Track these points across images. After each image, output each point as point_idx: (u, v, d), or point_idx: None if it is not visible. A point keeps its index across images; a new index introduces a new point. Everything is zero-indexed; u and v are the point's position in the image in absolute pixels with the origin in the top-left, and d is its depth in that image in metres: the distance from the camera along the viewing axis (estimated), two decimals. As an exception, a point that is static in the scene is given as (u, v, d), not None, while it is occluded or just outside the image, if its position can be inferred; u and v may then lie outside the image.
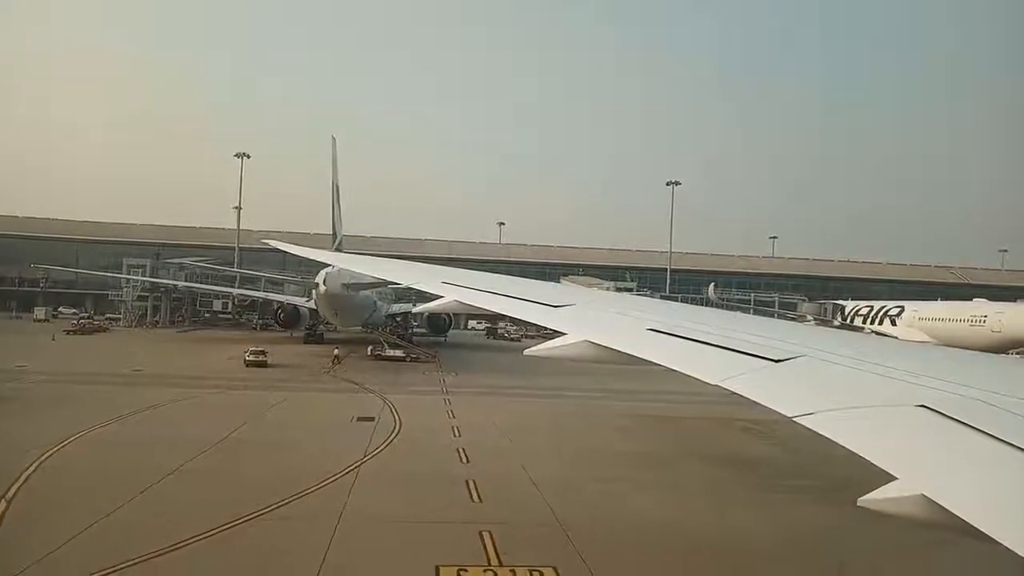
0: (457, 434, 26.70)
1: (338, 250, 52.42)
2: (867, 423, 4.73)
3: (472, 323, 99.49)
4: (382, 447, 23.72)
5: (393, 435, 25.82)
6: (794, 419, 4.84)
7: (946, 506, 3.41)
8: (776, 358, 6.15)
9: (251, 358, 45.53)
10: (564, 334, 7.94)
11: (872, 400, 5.07)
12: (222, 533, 14.41)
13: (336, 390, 37.86)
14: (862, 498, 3.84)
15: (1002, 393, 4.97)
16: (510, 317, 10.52)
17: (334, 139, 58.62)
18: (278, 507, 16.38)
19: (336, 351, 50.72)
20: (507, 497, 18.46)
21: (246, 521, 15.23)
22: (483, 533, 15.11)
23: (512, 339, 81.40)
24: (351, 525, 15.42)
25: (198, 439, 23.36)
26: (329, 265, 46.56)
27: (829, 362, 6.13)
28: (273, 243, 35.72)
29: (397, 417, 29.59)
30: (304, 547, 13.97)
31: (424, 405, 33.56)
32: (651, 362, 6.77)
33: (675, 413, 33.98)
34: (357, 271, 20.05)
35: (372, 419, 28.61)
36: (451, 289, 11.36)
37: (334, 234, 56.77)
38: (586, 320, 9.00)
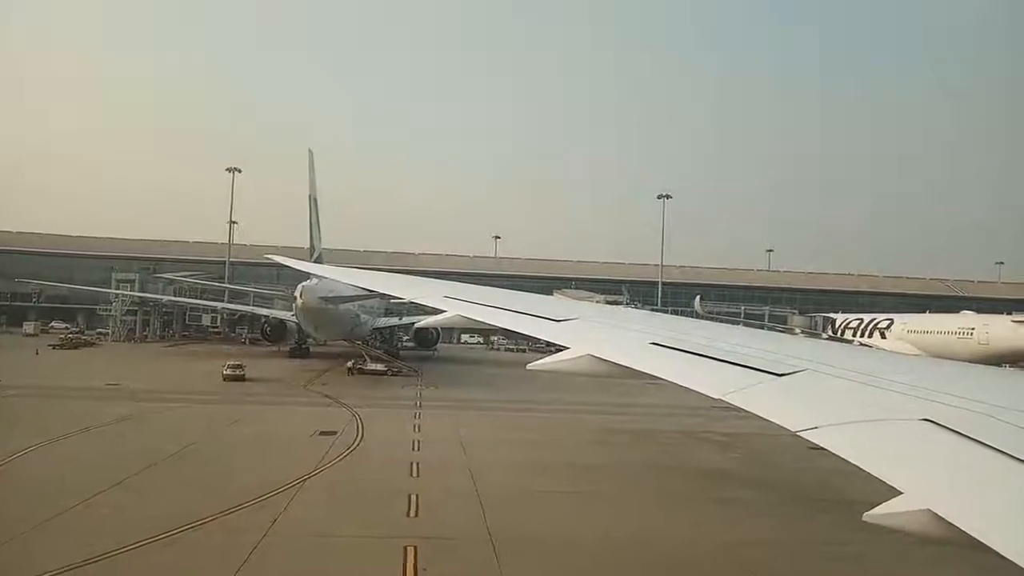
0: (416, 448, 26.43)
1: (317, 263, 52.42)
2: (871, 437, 4.70)
3: (465, 337, 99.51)
4: (335, 461, 23.44)
5: (351, 449, 25.54)
6: (798, 433, 4.80)
7: (952, 521, 3.38)
8: (779, 372, 6.15)
9: (229, 372, 45.41)
10: (566, 348, 7.95)
11: (876, 414, 5.02)
12: (138, 549, 14.14)
13: (307, 404, 37.62)
14: (868, 513, 3.80)
15: (1007, 407, 4.91)
16: (513, 332, 10.84)
17: (311, 152, 58.96)
18: (207, 522, 16.09)
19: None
20: (446, 511, 18.17)
21: (168, 536, 14.94)
22: (408, 548, 14.83)
23: None
24: (275, 540, 15.14)
25: (150, 453, 23.21)
26: (307, 278, 46.56)
27: (832, 376, 6.11)
28: (277, 258, 35.76)
29: (361, 431, 29.33)
30: (219, 563, 13.70)
31: (392, 419, 33.29)
32: (653, 376, 6.77)
33: (654, 427, 33.74)
34: (358, 285, 20.08)
35: (334, 433, 28.35)
36: (454, 304, 11.38)
37: (312, 247, 56.76)
38: (589, 334, 8.98)
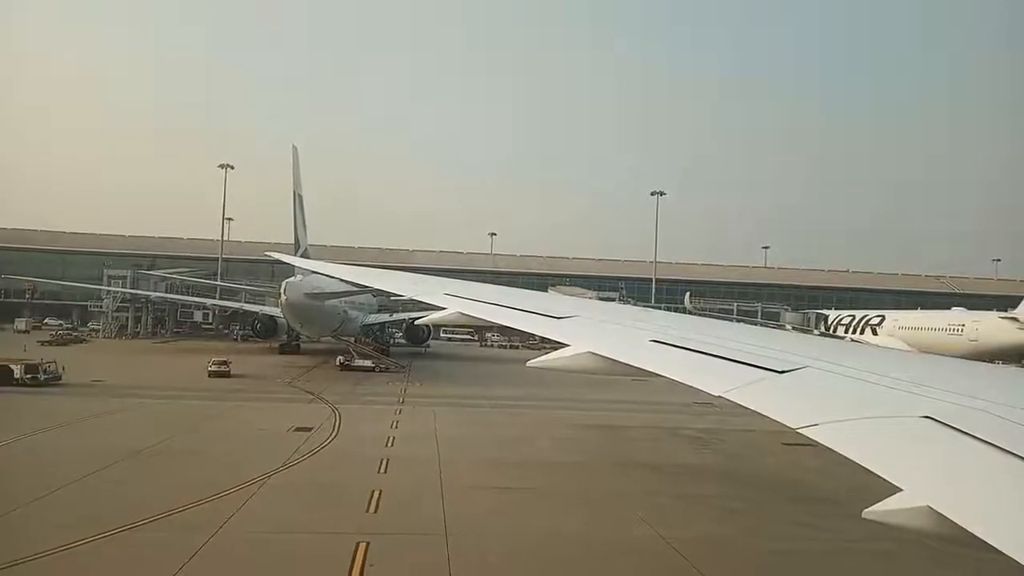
0: (390, 444, 26.27)
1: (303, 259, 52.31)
2: (871, 434, 4.71)
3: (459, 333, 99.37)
4: (305, 457, 23.33)
5: (323, 445, 25.42)
6: (798, 430, 4.81)
7: (952, 518, 3.38)
8: (780, 369, 6.16)
9: (213, 368, 45.38)
10: (566, 345, 7.95)
11: (876, 411, 5.03)
12: (84, 545, 14.02)
13: (289, 400, 37.47)
14: (868, 509, 3.78)
15: (1006, 404, 4.92)
16: (511, 329, 11.06)
17: (295, 148, 58.65)
18: (162, 518, 15.97)
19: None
20: (405, 508, 18.01)
21: (117, 532, 14.83)
22: (359, 544, 14.72)
23: None
24: (225, 537, 14.99)
25: (120, 449, 23.13)
26: (293, 275, 46.52)
27: (832, 373, 6.13)
28: (275, 255, 35.67)
29: (338, 427, 29.23)
30: (162, 560, 13.53)
31: (372, 415, 33.16)
32: (654, 373, 6.74)
33: (636, 423, 33.54)
34: (357, 282, 20.15)
35: (310, 429, 28.25)
36: (455, 301, 11.35)
37: (297, 243, 56.51)
38: (589, 331, 8.99)
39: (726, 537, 16.74)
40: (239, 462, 22.06)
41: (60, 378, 38.10)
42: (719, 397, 5.87)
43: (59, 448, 23.74)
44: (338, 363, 52.75)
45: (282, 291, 49.10)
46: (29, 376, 36.33)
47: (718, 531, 17.14)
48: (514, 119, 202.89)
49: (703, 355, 6.96)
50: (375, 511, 17.54)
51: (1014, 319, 55.26)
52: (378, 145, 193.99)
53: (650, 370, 6.82)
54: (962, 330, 58.09)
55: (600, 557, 15.13)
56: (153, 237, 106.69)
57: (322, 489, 19.54)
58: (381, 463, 22.77)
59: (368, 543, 14.80)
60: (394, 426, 30.38)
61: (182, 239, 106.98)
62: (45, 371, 37.22)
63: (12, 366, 36.76)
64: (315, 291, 47.60)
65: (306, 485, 19.90)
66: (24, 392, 35.60)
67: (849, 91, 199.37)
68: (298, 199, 57.64)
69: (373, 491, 19.06)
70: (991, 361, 50.94)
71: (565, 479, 22.20)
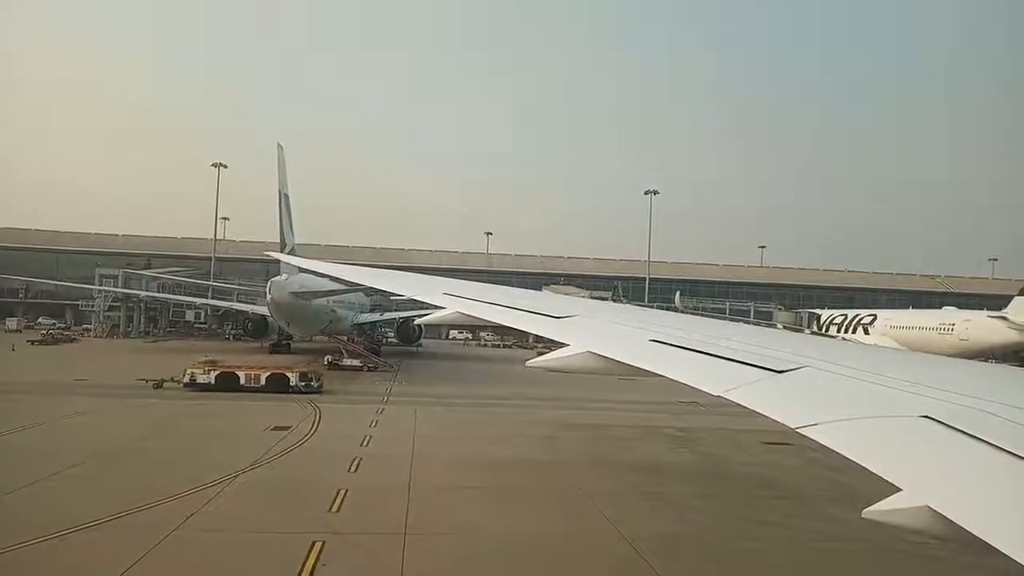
0: (365, 444, 26.13)
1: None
2: (870, 434, 4.74)
3: (453, 333, 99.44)
4: (278, 456, 23.25)
5: (298, 444, 25.34)
6: (797, 430, 4.84)
7: (951, 518, 3.39)
8: (779, 369, 6.16)
9: (200, 368, 45.33)
10: (564, 344, 7.95)
11: (875, 411, 5.06)
12: (35, 545, 13.91)
13: (271, 399, 37.26)
14: (867, 509, 3.80)
15: (1006, 403, 4.95)
16: (507, 328, 11.06)
17: (280, 147, 58.43)
18: (119, 518, 15.85)
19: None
20: (369, 507, 17.89)
21: (71, 532, 14.73)
22: (315, 543, 14.62)
23: None
24: (182, 536, 14.90)
25: (92, 448, 23.09)
26: (279, 274, 46.48)
27: (831, 372, 6.15)
28: (274, 255, 35.64)
29: (316, 426, 29.15)
30: (110, 561, 13.41)
31: (353, 414, 33.09)
32: (654, 373, 6.76)
33: (620, 422, 33.40)
34: (354, 281, 20.18)
35: (287, 428, 28.16)
36: (453, 301, 11.33)
37: (283, 243, 56.39)
38: (588, 331, 8.99)
39: (686, 535, 16.65)
40: (211, 461, 21.90)
41: (322, 385, 40.57)
42: (718, 397, 5.86)
43: (30, 447, 23.58)
44: (326, 362, 52.70)
45: (268, 290, 49.08)
46: (303, 384, 39.29)
47: (681, 529, 17.05)
48: (510, 118, 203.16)
49: (702, 355, 6.97)
50: (337, 510, 17.40)
51: (1003, 318, 55.19)
52: (374, 145, 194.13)
53: (649, 370, 6.85)
54: (952, 329, 58.04)
55: (556, 555, 15.04)
56: (149, 236, 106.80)
57: (288, 488, 19.41)
58: (353, 462, 22.64)
59: (323, 542, 14.70)
60: (373, 425, 30.29)
61: (177, 238, 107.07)
62: (317, 378, 40.37)
63: (288, 375, 39.83)
64: (301, 290, 47.55)
65: (273, 484, 19.78)
66: (7, 392, 35.61)
67: (847, 91, 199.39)
68: (284, 198, 57.56)
69: (339, 490, 18.92)
70: (984, 360, 50.91)
71: (537, 478, 22.10)
